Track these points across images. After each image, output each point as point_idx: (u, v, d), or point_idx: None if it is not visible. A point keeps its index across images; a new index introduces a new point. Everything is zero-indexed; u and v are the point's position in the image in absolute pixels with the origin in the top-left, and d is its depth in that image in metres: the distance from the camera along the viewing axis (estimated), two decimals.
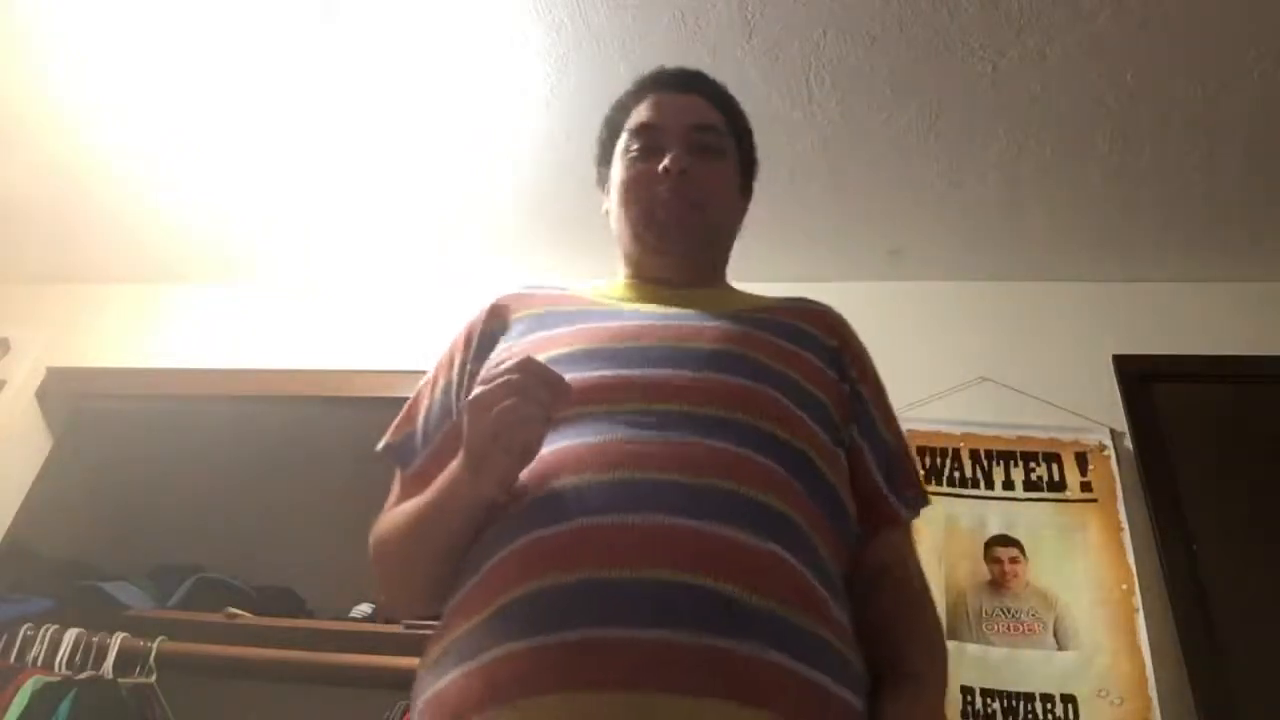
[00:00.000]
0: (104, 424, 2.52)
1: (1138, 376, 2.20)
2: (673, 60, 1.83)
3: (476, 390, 0.80)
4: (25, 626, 2.01)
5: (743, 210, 1.17)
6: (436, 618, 0.86)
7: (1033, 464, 2.11)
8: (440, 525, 0.87)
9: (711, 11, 1.77)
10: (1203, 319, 2.31)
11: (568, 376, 0.82)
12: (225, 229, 2.47)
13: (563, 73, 1.92)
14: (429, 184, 2.25)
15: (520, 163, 2.15)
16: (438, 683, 0.78)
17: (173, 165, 2.25)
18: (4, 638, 2.00)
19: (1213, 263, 2.32)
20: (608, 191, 1.15)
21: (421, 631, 2.11)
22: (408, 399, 1.07)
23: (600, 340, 0.94)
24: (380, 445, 1.05)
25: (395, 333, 2.53)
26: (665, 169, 1.04)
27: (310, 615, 2.31)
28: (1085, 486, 2.06)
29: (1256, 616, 1.90)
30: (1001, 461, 2.11)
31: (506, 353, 0.95)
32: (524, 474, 0.82)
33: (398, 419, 1.05)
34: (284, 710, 2.22)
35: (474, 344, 1.02)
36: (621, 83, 1.90)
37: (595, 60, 1.88)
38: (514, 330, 1.01)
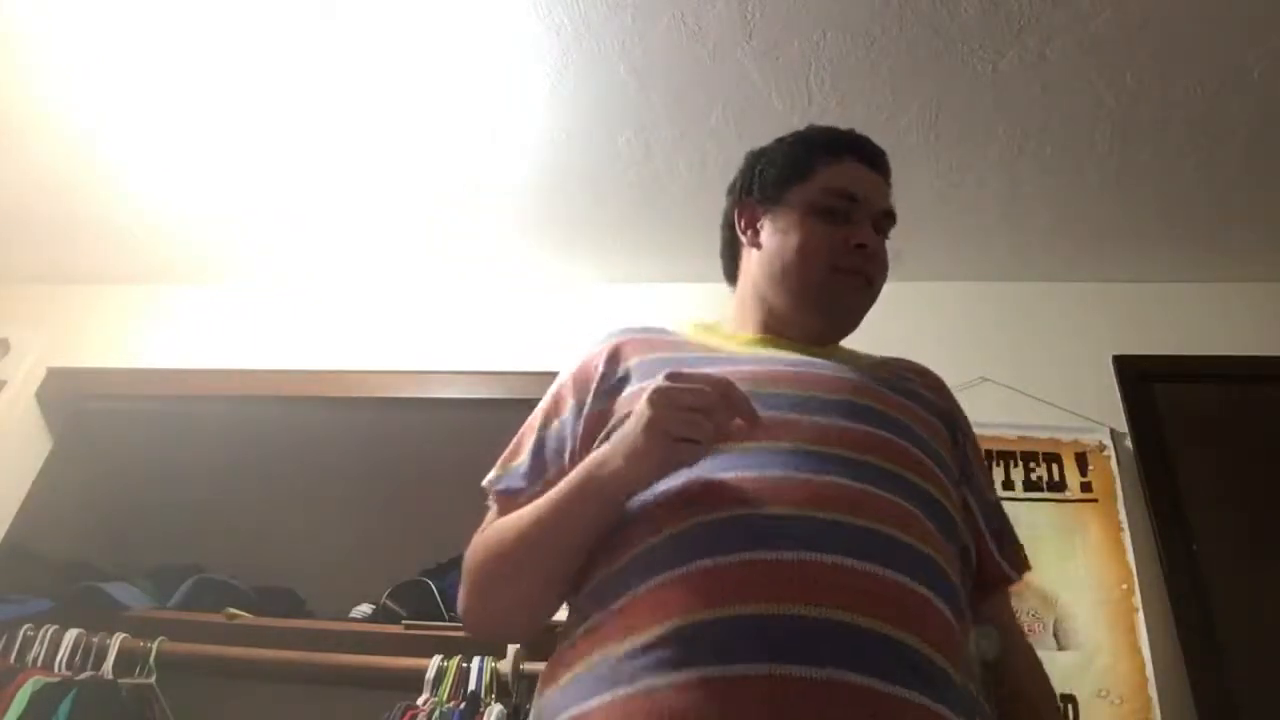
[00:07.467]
0: (104, 424, 2.52)
1: (1138, 376, 2.20)
2: (673, 61, 1.86)
3: (666, 386, 0.81)
4: (25, 626, 2.01)
5: None
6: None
7: (1033, 464, 2.11)
8: (569, 519, 0.87)
9: (711, 11, 1.77)
10: (1203, 319, 2.30)
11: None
12: (225, 229, 2.47)
13: (563, 73, 1.92)
14: (428, 184, 2.25)
15: (520, 163, 2.15)
16: (576, 705, 0.77)
17: (172, 165, 2.25)
18: (4, 638, 2.00)
19: (1213, 263, 2.32)
20: (753, 227, 1.13)
21: (421, 632, 2.12)
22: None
23: (744, 382, 0.94)
24: (486, 480, 1.04)
25: (395, 333, 2.53)
26: (861, 245, 1.05)
27: (310, 615, 2.31)
28: (1085, 487, 2.06)
29: (1256, 616, 1.90)
30: (1001, 461, 2.11)
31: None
32: (679, 498, 0.83)
33: (503, 456, 1.05)
34: (284, 710, 2.22)
35: (593, 387, 1.00)
36: (622, 83, 1.93)
37: (595, 60, 1.88)
38: (637, 373, 0.99)
